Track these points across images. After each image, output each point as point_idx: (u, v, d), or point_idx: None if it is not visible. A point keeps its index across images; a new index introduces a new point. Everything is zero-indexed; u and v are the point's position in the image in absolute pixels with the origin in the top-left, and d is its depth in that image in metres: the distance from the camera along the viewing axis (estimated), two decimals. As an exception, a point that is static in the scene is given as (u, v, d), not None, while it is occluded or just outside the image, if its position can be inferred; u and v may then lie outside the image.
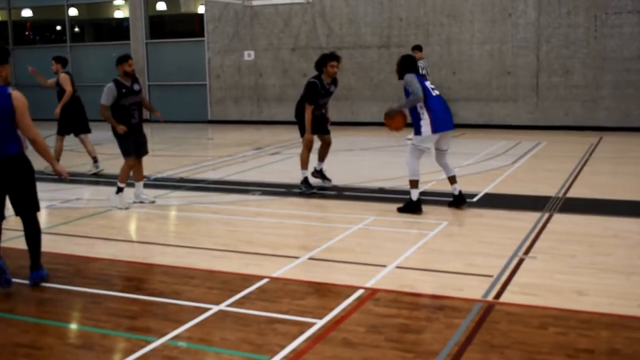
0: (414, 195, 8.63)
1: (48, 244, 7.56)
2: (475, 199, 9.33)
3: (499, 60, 17.60)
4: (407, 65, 8.78)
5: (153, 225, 8.52)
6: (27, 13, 24.34)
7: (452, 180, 8.93)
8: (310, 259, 6.73)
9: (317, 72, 10.00)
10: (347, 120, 18.26)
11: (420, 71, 14.33)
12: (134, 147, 9.43)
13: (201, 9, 20.71)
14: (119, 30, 23.84)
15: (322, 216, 8.67)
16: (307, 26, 19.34)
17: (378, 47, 18.48)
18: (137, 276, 6.45)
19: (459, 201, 8.85)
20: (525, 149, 13.87)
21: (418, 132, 8.56)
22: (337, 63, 9.87)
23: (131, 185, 9.84)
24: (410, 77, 8.57)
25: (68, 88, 12.29)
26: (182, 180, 11.31)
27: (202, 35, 20.76)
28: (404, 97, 8.66)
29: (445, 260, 6.59)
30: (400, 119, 8.91)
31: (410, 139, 9.08)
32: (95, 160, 12.43)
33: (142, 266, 6.70)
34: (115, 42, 23.17)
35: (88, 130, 12.61)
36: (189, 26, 22.30)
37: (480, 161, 12.55)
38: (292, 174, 11.45)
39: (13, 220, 8.75)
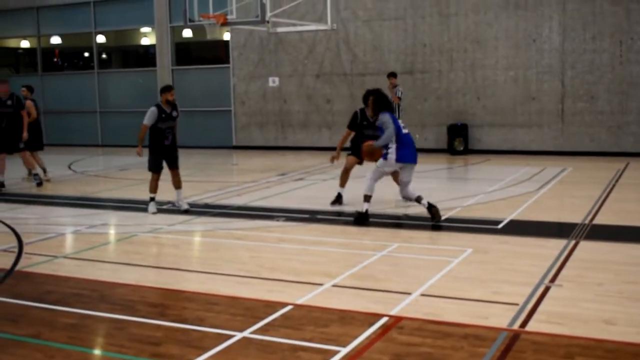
0: (364, 207, 9.61)
1: (73, 269, 7.64)
2: (500, 226, 9.26)
3: (523, 86, 17.56)
4: (382, 105, 9.69)
5: (177, 251, 8.55)
6: (56, 40, 24.72)
7: (419, 199, 9.61)
8: (334, 286, 6.71)
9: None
10: (371, 146, 18.28)
11: (398, 94, 15.18)
12: (160, 164, 10.87)
13: (227, 36, 20.90)
14: (146, 57, 24.14)
15: (346, 243, 8.65)
16: (331, 53, 19.45)
17: (402, 73, 18.51)
18: (161, 302, 6.47)
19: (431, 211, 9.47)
20: (551, 175, 13.77)
21: (385, 157, 9.58)
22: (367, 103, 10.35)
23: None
24: (387, 117, 9.50)
25: (33, 113, 14.44)
26: (206, 205, 11.35)
27: (228, 61, 20.95)
28: (380, 133, 9.64)
29: (470, 287, 6.53)
30: (379, 154, 9.72)
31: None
32: (44, 170, 14.53)
33: (166, 292, 6.72)
34: (142, 69, 23.47)
35: (42, 148, 15.14)
36: (214, 53, 22.53)
37: (505, 187, 12.47)
38: (316, 200, 11.47)
39: (38, 245, 8.87)
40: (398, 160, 9.55)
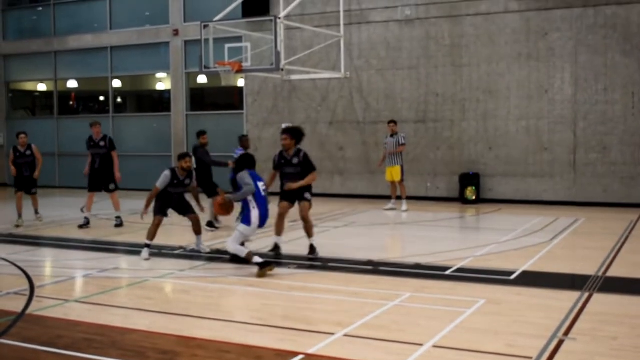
0: (257, 259, 9.45)
1: (84, 314, 7.64)
2: (513, 277, 9.21)
3: (535, 136, 17.61)
4: (245, 164, 9.88)
5: (189, 297, 8.54)
6: (72, 84, 25.06)
7: (250, 255, 9.59)
8: (346, 335, 6.67)
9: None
10: (383, 193, 18.29)
11: (402, 141, 15.72)
12: (165, 210, 11.09)
13: (241, 83, 21.13)
14: (161, 101, 24.39)
15: (357, 291, 8.61)
16: (344, 101, 19.61)
17: (415, 122, 18.63)
18: (172, 349, 6.43)
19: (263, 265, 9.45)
20: (563, 226, 13.72)
21: (246, 221, 9.60)
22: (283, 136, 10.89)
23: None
24: (244, 174, 9.69)
25: (40, 156, 14.98)
26: (218, 252, 11.35)
27: (242, 108, 21.13)
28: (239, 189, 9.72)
29: (484, 340, 6.48)
30: (232, 208, 10.14)
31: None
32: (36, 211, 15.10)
33: (177, 339, 6.69)
34: (157, 114, 23.70)
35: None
36: (229, 99, 22.74)
37: (518, 237, 12.43)
38: (327, 247, 11.45)
39: (50, 289, 8.88)
40: (261, 225, 9.75)
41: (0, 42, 25.48)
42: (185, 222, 11.68)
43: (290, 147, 10.85)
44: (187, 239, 11.96)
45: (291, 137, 10.80)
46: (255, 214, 9.61)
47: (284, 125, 11.09)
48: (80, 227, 14.10)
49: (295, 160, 10.81)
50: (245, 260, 9.64)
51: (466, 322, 7.10)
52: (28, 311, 7.74)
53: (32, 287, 8.86)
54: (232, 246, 9.75)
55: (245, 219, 9.69)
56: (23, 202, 14.71)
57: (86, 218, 14.34)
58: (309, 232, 10.98)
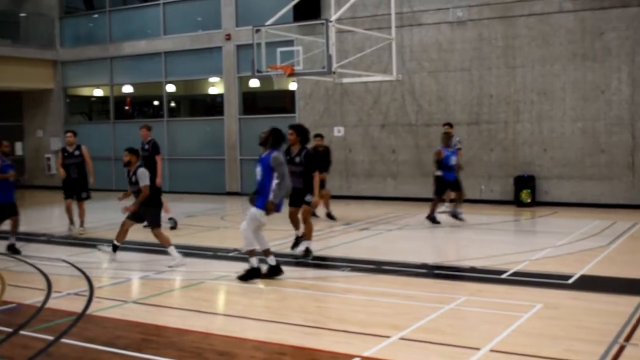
0: (272, 260, 9.27)
1: (141, 315, 7.76)
2: (570, 281, 9.05)
3: (592, 137, 17.29)
4: (278, 140, 9.57)
5: (244, 299, 8.61)
6: (127, 89, 25.51)
7: (268, 252, 9.37)
8: (402, 339, 6.65)
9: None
10: (436, 196, 18.17)
11: (457, 145, 15.00)
12: None
13: (293, 86, 21.23)
14: (213, 105, 24.66)
15: (413, 294, 8.56)
16: (396, 103, 19.55)
17: (468, 124, 18.47)
18: (229, 350, 6.48)
19: (275, 271, 9.35)
20: (622, 230, 13.44)
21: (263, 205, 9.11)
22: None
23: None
24: (279, 155, 9.30)
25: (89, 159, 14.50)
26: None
27: (293, 111, 21.23)
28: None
29: (541, 344, 6.39)
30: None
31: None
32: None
33: (234, 340, 6.75)
34: (210, 117, 23.97)
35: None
36: (280, 102, 22.88)
37: (575, 241, 12.21)
38: (382, 250, 11.44)
39: (108, 290, 9.05)
40: (277, 209, 9.23)
41: (57, 49, 26.07)
42: (239, 225, 11.72)
43: (295, 142, 10.93)
44: (241, 242, 12.02)
45: (297, 134, 10.85)
46: (272, 197, 9.11)
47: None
48: (172, 228, 14.25)
49: (297, 159, 10.95)
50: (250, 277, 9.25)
51: (523, 326, 7.01)
52: (88, 312, 7.91)
53: (91, 288, 9.05)
54: (246, 232, 9.20)
55: (260, 202, 9.16)
56: (73, 208, 14.25)
57: (172, 219, 14.47)
58: (307, 235, 11.06)
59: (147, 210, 10.79)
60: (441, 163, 14.31)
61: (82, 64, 25.88)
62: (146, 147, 14.52)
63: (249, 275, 9.24)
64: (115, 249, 10.87)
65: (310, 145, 12.02)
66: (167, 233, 11.34)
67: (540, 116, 17.78)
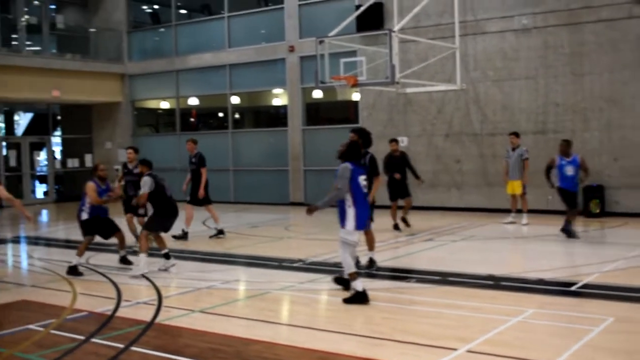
0: (358, 286, 8.62)
1: (208, 324, 7.86)
2: (643, 294, 8.81)
3: (664, 146, 16.81)
4: (352, 154, 8.98)
5: (309, 310, 8.64)
6: (193, 101, 25.96)
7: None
8: (469, 351, 6.56)
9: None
10: (501, 207, 17.92)
11: (525, 155, 15.62)
12: None
13: (356, 97, 21.25)
14: (277, 117, 24.87)
15: (479, 306, 8.45)
16: (460, 112, 19.37)
17: (533, 133, 18.17)
18: (295, 361, 6.52)
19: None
20: (697, 241, 13.02)
21: (344, 223, 8.73)
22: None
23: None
24: (346, 168, 8.75)
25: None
26: (336, 265, 11.41)
27: (357, 121, 21.22)
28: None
29: None
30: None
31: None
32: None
33: (300, 351, 6.77)
34: (273, 129, 24.18)
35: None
36: (343, 113, 22.92)
37: (647, 253, 11.89)
38: (447, 261, 11.33)
39: (176, 299, 9.18)
40: (359, 227, 8.75)
41: (125, 63, 26.70)
42: (306, 236, 11.79)
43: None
44: (306, 252, 12.10)
45: (359, 136, 10.36)
46: (351, 213, 8.65)
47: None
48: (211, 236, 14.80)
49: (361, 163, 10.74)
50: (346, 281, 8.98)
51: (594, 340, 6.84)
52: (157, 320, 8.05)
53: (159, 297, 9.20)
54: (342, 256, 8.81)
55: (342, 220, 8.76)
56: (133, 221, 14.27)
57: (217, 229, 14.92)
58: (370, 246, 10.89)
59: (152, 215, 11.30)
60: (550, 171, 13.83)
61: (149, 77, 26.45)
62: (193, 160, 14.94)
63: (355, 300, 8.61)
64: (167, 256, 11.20)
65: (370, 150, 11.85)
66: (166, 241, 11.38)
67: (609, 124, 17.37)
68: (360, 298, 8.57)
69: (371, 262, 10.91)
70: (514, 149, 15.99)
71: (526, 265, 11.20)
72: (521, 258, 12.52)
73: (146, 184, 11.07)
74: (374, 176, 10.83)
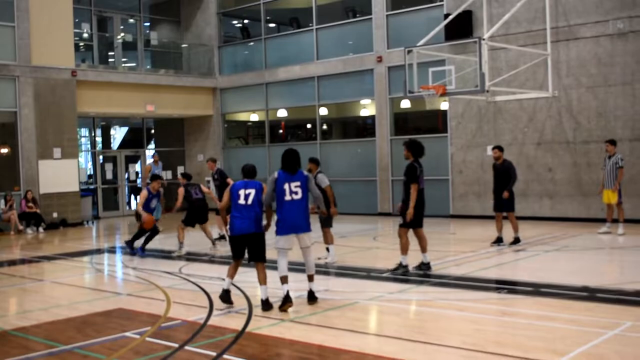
0: (285, 289, 9.17)
1: (300, 333, 7.92)
2: None
3: None
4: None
5: (398, 320, 8.59)
6: (282, 113, 26.29)
7: (310, 278, 9.58)
8: (563, 364, 6.40)
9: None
10: (596, 216, 17.40)
11: (620, 163, 15.17)
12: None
13: (444, 106, 21.07)
14: (364, 127, 24.91)
15: (574, 319, 8.21)
16: (552, 120, 18.93)
17: (630, 141, 17.57)
18: (385, 371, 6.50)
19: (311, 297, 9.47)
20: None
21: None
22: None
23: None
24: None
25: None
26: (425, 275, 11.33)
27: (445, 131, 21.05)
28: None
29: None
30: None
31: None
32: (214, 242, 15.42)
33: (389, 361, 6.75)
34: (361, 139, 24.22)
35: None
36: (432, 122, 22.77)
37: None
38: (540, 272, 11.07)
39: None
40: (280, 231, 9.41)
41: (217, 77, 27.30)
42: (392, 246, 11.78)
43: (409, 158, 11.38)
44: (392, 261, 12.03)
45: (407, 148, 11.37)
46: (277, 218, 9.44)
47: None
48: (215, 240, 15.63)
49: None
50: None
51: (699, 355, 6.56)
52: (247, 329, 8.17)
53: (250, 307, 9.34)
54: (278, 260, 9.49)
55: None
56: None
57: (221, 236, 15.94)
58: (402, 250, 11.39)
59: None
60: None
61: (239, 90, 26.95)
62: (215, 176, 16.44)
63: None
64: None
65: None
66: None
67: None
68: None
69: (400, 265, 11.37)
70: (609, 157, 15.51)
71: (622, 277, 10.84)
72: (617, 269, 12.11)
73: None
74: (411, 184, 11.33)
